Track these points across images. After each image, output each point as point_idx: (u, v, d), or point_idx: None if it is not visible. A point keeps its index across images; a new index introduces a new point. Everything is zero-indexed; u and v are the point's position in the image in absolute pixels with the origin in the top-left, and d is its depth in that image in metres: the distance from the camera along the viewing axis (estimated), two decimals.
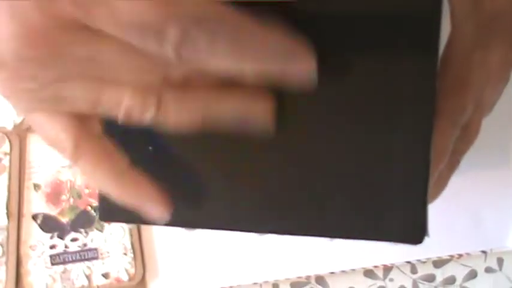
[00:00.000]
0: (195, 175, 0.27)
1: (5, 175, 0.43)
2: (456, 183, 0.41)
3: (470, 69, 0.28)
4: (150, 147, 0.26)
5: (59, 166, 0.43)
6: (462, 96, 0.28)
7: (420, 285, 0.45)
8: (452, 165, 0.31)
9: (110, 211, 0.27)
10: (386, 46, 0.24)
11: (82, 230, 0.43)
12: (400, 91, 0.24)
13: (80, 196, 0.43)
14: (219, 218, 0.27)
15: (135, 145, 0.26)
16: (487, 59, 0.28)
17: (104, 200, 0.27)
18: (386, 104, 0.25)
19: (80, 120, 0.24)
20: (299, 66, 0.22)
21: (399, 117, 0.25)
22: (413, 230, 0.25)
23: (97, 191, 0.28)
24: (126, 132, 0.25)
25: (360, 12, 0.24)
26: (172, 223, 0.26)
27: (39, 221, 0.43)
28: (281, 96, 0.24)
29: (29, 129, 0.43)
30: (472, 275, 0.45)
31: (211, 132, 0.24)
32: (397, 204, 0.25)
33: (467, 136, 0.30)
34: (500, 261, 0.45)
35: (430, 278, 0.45)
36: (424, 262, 0.44)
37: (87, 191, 0.43)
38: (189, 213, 0.27)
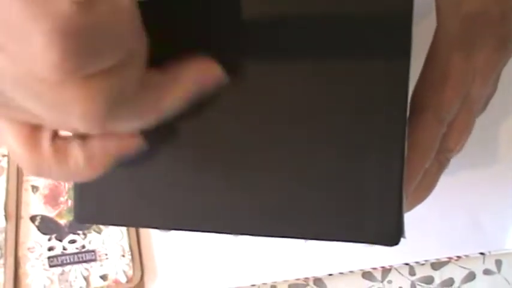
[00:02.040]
0: (171, 176, 0.26)
1: (3, 177, 0.43)
2: (454, 185, 0.41)
3: (454, 65, 0.28)
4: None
5: None
6: (446, 91, 0.28)
7: (418, 287, 0.45)
8: (441, 164, 0.31)
9: (87, 212, 0.27)
10: (359, 47, 0.24)
11: (80, 232, 0.43)
12: (373, 91, 0.24)
13: None
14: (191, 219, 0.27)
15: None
16: (472, 56, 0.28)
17: (80, 200, 0.27)
18: (359, 105, 0.25)
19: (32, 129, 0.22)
20: (210, 82, 0.24)
21: (372, 116, 0.25)
22: (388, 232, 0.25)
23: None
24: None
25: (334, 14, 0.24)
26: (154, 225, 0.27)
27: (37, 223, 0.43)
28: (253, 99, 0.24)
29: None
30: (471, 277, 0.45)
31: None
32: (372, 205, 0.25)
33: (454, 133, 0.30)
34: (498, 263, 0.45)
35: (429, 280, 0.45)
36: (423, 264, 0.44)
37: None
38: (169, 214, 0.27)
